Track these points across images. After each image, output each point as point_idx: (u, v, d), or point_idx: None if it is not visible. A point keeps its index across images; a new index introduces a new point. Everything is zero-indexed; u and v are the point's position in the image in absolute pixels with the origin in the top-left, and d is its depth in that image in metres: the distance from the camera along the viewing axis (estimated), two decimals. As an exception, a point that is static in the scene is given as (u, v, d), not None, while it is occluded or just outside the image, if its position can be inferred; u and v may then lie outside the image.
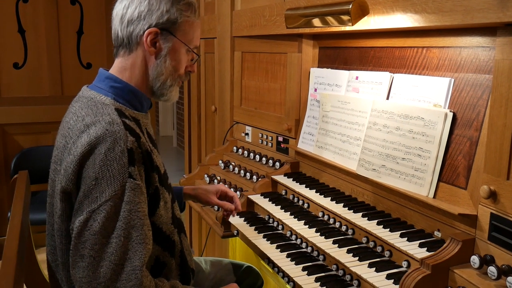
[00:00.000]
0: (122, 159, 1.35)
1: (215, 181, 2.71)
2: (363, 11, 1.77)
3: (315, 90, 2.33)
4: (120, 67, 1.56)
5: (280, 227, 2.05)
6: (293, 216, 2.01)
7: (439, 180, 1.62)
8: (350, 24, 1.79)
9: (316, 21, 1.98)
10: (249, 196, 2.28)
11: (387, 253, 1.63)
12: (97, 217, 1.32)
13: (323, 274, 1.67)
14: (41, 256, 2.42)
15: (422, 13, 1.55)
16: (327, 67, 2.28)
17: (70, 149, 1.38)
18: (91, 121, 1.39)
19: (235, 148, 2.95)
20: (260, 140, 2.76)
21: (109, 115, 1.40)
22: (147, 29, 1.50)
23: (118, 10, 1.53)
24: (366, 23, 1.79)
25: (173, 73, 1.58)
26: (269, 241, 1.94)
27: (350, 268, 1.58)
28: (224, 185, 2.11)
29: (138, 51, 1.53)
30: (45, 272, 2.01)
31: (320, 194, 2.05)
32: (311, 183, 2.19)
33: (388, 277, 1.51)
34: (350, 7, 1.75)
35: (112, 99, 1.49)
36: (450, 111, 1.61)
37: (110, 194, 1.33)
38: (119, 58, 1.57)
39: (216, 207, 2.51)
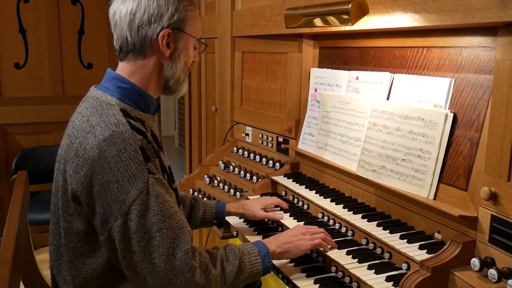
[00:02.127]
0: (137, 158, 1.36)
1: (215, 181, 2.70)
2: (362, 11, 1.76)
3: (315, 90, 2.31)
4: (130, 70, 1.53)
5: (279, 228, 2.03)
6: (292, 217, 2.00)
7: (439, 181, 1.60)
8: (350, 24, 1.78)
9: (316, 21, 1.97)
10: (248, 197, 2.26)
11: (387, 255, 1.62)
12: (132, 216, 1.34)
13: (322, 276, 1.65)
14: (42, 257, 2.42)
15: (422, 12, 1.54)
16: (327, 67, 2.27)
17: (77, 150, 1.38)
18: (97, 121, 1.39)
19: (235, 148, 2.93)
20: (260, 141, 2.74)
21: (114, 116, 1.40)
22: (160, 31, 1.49)
23: (122, 15, 1.49)
24: (366, 23, 1.77)
25: (185, 68, 1.60)
26: (268, 242, 1.92)
27: (350, 270, 1.57)
28: (268, 198, 2.10)
29: (152, 54, 1.52)
30: (44, 272, 2.01)
31: (320, 195, 2.03)
32: (311, 184, 2.18)
33: (388, 279, 1.49)
34: (350, 6, 1.73)
35: (117, 99, 1.49)
36: (451, 112, 1.59)
37: (136, 193, 1.34)
38: (128, 61, 1.54)
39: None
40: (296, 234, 1.68)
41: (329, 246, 1.69)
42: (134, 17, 1.48)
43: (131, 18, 1.48)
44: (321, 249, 1.69)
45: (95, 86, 1.56)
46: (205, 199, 2.61)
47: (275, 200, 2.07)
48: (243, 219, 2.15)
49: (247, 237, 1.99)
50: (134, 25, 1.48)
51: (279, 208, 2.08)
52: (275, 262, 1.70)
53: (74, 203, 1.42)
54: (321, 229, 1.73)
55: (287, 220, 1.98)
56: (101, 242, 1.41)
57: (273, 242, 1.63)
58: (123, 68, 1.55)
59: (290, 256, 1.66)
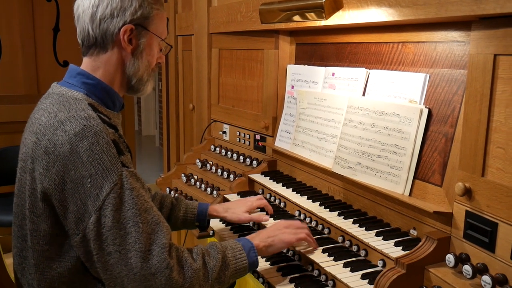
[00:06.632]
0: (110, 150, 1.33)
1: (192, 180, 2.65)
2: (337, 5, 1.73)
3: (292, 87, 2.29)
4: (93, 65, 1.51)
5: (256, 226, 2.01)
6: (269, 215, 1.97)
7: (414, 177, 1.59)
8: (324, 18, 1.75)
9: (291, 16, 1.94)
10: (225, 195, 2.23)
11: (362, 252, 1.60)
12: (106, 212, 1.29)
13: (298, 274, 1.63)
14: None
15: (396, 6, 1.52)
16: (304, 64, 2.25)
17: (47, 147, 1.33)
18: (65, 117, 1.35)
19: (212, 146, 2.89)
20: (238, 139, 2.71)
21: (84, 110, 1.37)
22: (122, 26, 1.46)
23: (85, 8, 1.46)
24: (341, 18, 1.75)
25: (148, 68, 1.57)
26: (244, 241, 1.89)
27: (325, 268, 1.55)
28: (254, 200, 2.00)
29: (113, 49, 1.49)
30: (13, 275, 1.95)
31: (297, 193, 2.01)
32: (288, 181, 2.15)
33: (363, 277, 1.47)
34: (323, 1, 1.71)
35: (84, 95, 1.45)
36: (426, 107, 1.58)
37: (110, 186, 1.30)
38: (91, 56, 1.51)
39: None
40: (278, 228, 1.66)
41: (310, 248, 1.67)
42: (96, 10, 1.45)
43: (94, 11, 1.45)
44: (303, 251, 1.67)
45: (57, 83, 1.51)
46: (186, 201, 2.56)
47: (261, 202, 2.00)
48: (219, 218, 2.11)
49: (223, 236, 1.96)
50: (96, 18, 1.45)
51: (264, 212, 2.01)
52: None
53: (43, 203, 1.36)
54: (304, 224, 1.70)
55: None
56: (75, 244, 1.35)
57: (256, 237, 1.60)
58: (87, 64, 1.52)
59: (274, 250, 1.62)
